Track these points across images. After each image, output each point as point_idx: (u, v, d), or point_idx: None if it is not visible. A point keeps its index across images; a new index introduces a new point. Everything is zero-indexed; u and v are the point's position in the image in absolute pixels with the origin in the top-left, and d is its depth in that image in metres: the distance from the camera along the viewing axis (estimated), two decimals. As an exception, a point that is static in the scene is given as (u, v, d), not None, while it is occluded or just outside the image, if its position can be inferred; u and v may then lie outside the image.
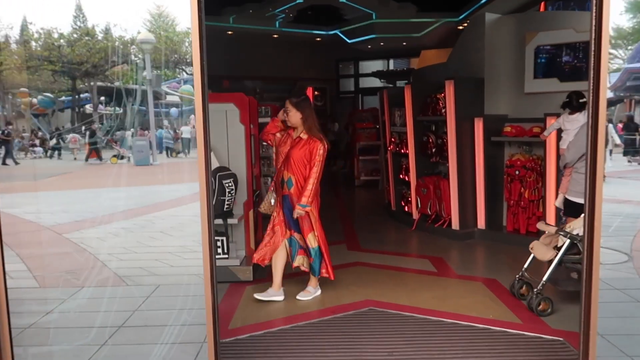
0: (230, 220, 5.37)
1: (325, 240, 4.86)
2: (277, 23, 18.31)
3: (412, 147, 7.62)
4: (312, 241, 4.76)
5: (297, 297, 4.84)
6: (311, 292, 4.91)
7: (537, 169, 6.57)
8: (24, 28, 36.69)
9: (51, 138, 26.19)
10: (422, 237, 7.24)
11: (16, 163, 20.37)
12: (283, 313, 4.52)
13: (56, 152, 24.15)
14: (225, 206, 5.30)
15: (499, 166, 6.98)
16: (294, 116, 4.62)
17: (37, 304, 4.93)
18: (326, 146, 4.62)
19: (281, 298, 4.78)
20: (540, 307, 4.30)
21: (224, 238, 5.40)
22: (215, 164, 5.48)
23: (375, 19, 17.56)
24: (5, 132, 21.34)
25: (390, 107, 8.50)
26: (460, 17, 16.96)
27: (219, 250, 5.38)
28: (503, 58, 7.26)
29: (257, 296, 4.75)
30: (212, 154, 5.60)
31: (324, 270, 4.86)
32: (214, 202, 5.23)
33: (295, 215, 4.63)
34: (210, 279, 3.16)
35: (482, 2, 14.31)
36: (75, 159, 22.88)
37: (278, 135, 4.81)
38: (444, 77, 6.99)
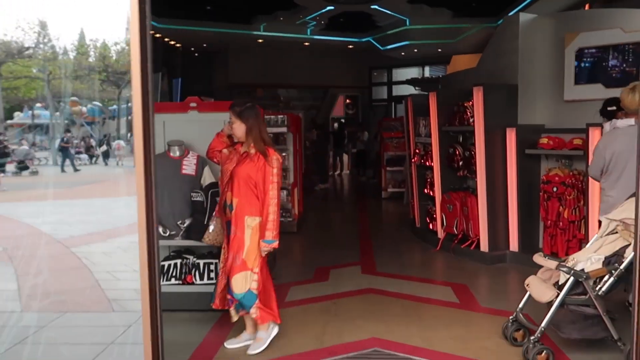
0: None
1: (269, 279, 3.88)
2: (308, 31, 17.75)
3: (438, 160, 6.85)
4: (240, 284, 3.66)
5: (248, 352, 3.78)
6: (264, 339, 3.85)
7: (579, 186, 5.70)
8: (80, 39, 37.31)
9: (100, 145, 26.37)
10: (447, 260, 6.45)
11: (75, 170, 20.33)
12: (275, 352, 3.83)
13: (101, 159, 24.23)
14: (220, 226, 4.67)
15: (534, 182, 6.13)
16: (239, 128, 3.71)
17: (11, 332, 4.39)
18: (280, 160, 3.73)
19: None
20: (538, 359, 3.48)
21: (217, 261, 4.76)
22: (210, 179, 4.87)
23: (408, 25, 16.79)
24: (65, 139, 21.48)
25: (415, 115, 7.74)
26: (499, 22, 16.00)
27: (212, 275, 4.75)
28: (539, 62, 6.43)
29: (228, 345, 3.87)
30: (207, 168, 5.00)
31: (254, 311, 3.72)
32: (205, 221, 4.63)
33: (262, 254, 3.73)
34: (151, 314, 2.50)
35: (522, 5, 13.40)
36: (122, 164, 22.81)
37: (225, 151, 3.94)
38: (473, 84, 6.21)
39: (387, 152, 11.34)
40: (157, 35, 15.85)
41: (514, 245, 6.18)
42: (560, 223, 5.80)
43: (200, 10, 16.01)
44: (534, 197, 6.10)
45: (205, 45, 18.05)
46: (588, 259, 3.57)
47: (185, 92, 17.73)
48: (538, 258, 3.84)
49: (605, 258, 3.55)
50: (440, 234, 6.91)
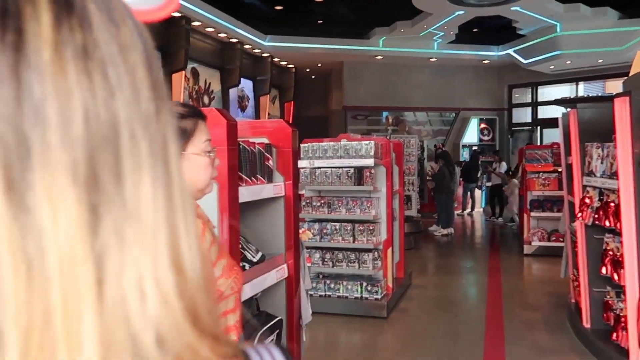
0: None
1: None
2: (435, 45, 14.79)
3: (633, 221, 3.62)
4: None
5: None
6: None
7: None
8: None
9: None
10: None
11: None
12: None
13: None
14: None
15: None
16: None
17: None
18: None
19: None
20: None
21: None
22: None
23: (560, 31, 13.14)
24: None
25: (582, 141, 4.53)
26: (686, 20, 11.87)
27: None
28: None
29: None
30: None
31: None
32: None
33: None
34: None
35: None
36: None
37: None
38: None
39: (532, 190, 8.00)
40: (265, 54, 13.99)
41: None
42: None
43: (312, 25, 13.91)
44: None
45: (319, 64, 15.90)
46: None
47: (298, 117, 15.69)
48: None
49: None
50: (635, 355, 3.63)
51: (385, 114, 16.54)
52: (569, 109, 13.27)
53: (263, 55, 13.88)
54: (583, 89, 15.96)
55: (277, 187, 2.79)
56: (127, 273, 0.30)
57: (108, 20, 0.31)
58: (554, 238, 7.69)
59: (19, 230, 0.27)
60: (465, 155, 15.50)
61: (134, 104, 0.31)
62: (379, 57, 14.91)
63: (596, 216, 4.18)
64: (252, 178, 2.53)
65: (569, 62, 13.91)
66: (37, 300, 0.27)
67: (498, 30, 13.89)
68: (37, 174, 0.27)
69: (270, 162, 2.78)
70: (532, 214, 7.98)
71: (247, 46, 12.82)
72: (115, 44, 0.31)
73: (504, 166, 11.75)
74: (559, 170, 7.36)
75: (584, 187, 4.45)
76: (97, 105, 0.29)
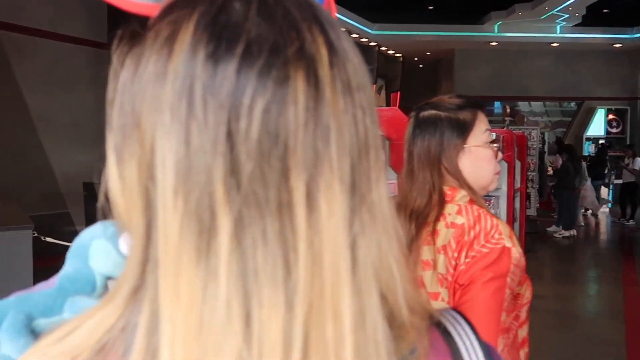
0: None
1: None
2: (557, 28, 13.49)
3: None
4: None
5: None
6: None
7: None
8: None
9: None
10: None
11: None
12: None
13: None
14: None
15: None
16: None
17: None
18: None
19: None
20: None
21: None
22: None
23: None
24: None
25: None
26: None
27: None
28: None
29: None
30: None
31: None
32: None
33: None
34: None
35: None
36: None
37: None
38: None
39: (678, 192, 6.92)
40: (373, 43, 13.58)
41: None
42: None
43: (422, 11, 13.27)
44: None
45: (428, 53, 15.20)
46: None
47: (404, 108, 15.12)
48: None
49: None
50: None
51: (497, 104, 15.50)
52: None
53: (370, 44, 13.47)
54: None
55: (390, 186, 2.41)
56: (372, 254, 0.38)
57: (354, 53, 0.39)
58: None
59: (310, 227, 0.35)
60: (590, 149, 14.08)
61: (374, 120, 0.40)
62: (493, 43, 13.94)
63: None
64: (362, 175, 2.18)
65: None
66: (316, 281, 0.35)
67: (633, 10, 12.36)
68: (323, 181, 0.35)
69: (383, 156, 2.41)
70: (678, 218, 6.90)
71: (354, 35, 12.47)
72: (361, 73, 0.39)
73: (638, 162, 10.42)
74: None
75: None
76: (358, 125, 0.38)
